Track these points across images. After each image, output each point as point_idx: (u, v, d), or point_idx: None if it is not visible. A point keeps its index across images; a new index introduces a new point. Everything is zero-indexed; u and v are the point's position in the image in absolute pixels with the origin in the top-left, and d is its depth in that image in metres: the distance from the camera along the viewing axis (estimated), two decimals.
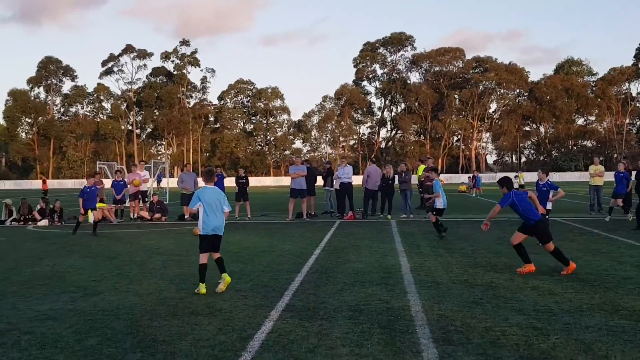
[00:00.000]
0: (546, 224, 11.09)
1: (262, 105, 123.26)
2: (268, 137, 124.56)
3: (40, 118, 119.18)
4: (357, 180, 26.18)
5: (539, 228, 10.88)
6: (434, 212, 16.56)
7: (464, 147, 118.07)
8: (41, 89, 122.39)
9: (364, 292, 9.24)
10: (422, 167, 23.88)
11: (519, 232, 11.01)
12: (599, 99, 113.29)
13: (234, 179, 25.45)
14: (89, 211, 19.38)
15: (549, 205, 15.30)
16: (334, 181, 24.02)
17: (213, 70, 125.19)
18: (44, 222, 22.81)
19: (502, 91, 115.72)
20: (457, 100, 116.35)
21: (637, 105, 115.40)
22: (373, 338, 6.75)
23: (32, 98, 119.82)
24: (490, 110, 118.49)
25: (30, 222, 23.10)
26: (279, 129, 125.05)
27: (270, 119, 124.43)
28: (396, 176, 24.09)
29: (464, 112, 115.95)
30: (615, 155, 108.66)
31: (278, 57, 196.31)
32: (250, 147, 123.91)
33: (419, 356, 6.10)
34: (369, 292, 9.23)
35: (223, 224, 9.70)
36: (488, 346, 6.40)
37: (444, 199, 16.66)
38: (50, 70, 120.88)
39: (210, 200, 9.53)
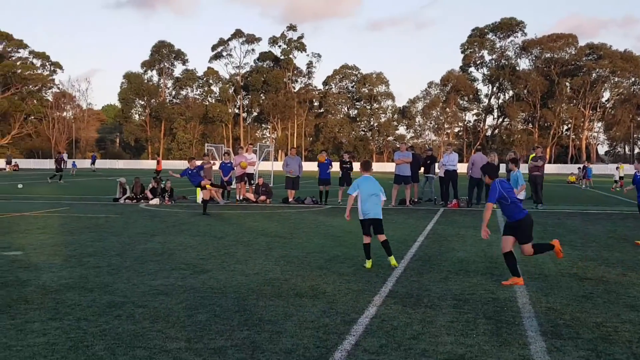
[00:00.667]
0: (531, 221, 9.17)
1: (367, 91, 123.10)
2: (372, 123, 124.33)
3: (152, 100, 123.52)
4: (461, 168, 25.81)
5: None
6: None
7: (574, 136, 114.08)
8: (154, 72, 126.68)
9: (469, 282, 9.12)
10: (532, 155, 23.24)
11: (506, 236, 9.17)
12: None
13: (338, 163, 25.62)
14: (198, 190, 19.88)
15: None
16: (438, 168, 23.77)
17: (319, 55, 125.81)
18: (155, 201, 23.67)
19: (616, 79, 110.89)
20: (568, 88, 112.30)
21: None
22: (478, 328, 6.65)
23: (146, 81, 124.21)
24: (603, 99, 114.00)
25: (142, 201, 24.02)
26: (383, 115, 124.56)
27: (375, 105, 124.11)
28: (503, 165, 23.57)
29: (575, 101, 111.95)
30: None
31: (384, 42, 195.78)
32: (353, 132, 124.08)
33: (526, 348, 5.97)
34: (474, 282, 9.11)
35: (377, 209, 10.32)
36: (599, 342, 6.19)
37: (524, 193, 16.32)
38: (163, 54, 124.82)
39: (364, 189, 10.29)
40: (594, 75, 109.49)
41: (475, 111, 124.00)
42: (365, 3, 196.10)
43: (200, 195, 19.91)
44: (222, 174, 24.46)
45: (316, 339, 6.22)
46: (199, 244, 12.82)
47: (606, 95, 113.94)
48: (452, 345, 6.07)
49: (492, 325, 6.76)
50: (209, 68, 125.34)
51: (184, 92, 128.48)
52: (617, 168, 44.78)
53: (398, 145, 24.07)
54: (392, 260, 10.28)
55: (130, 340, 6.15)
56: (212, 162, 26.93)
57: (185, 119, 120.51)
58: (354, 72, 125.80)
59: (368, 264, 10.22)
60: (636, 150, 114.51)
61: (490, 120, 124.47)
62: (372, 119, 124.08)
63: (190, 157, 21.90)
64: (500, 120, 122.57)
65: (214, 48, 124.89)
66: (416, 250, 12.14)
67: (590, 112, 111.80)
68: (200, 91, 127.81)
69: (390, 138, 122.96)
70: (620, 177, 40.18)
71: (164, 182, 24.90)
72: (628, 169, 49.93)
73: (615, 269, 10.21)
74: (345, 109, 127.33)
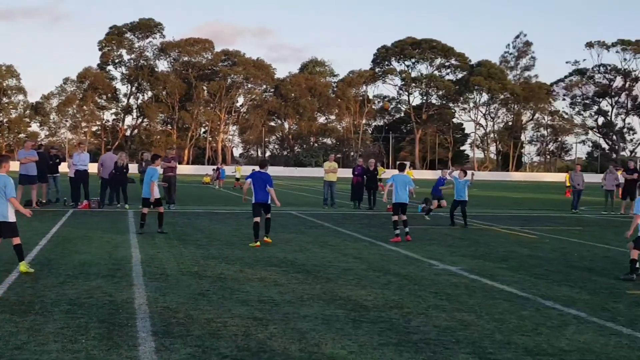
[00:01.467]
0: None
1: None
2: (1, 119, 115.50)
3: None
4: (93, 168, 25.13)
5: None
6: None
7: (210, 139, 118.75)
8: None
9: (88, 285, 8.85)
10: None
11: None
12: (339, 100, 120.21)
13: None
14: None
15: None
16: (68, 168, 22.85)
17: None
18: None
19: (249, 86, 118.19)
20: (206, 91, 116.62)
21: (373, 107, 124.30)
22: (89, 332, 6.46)
23: None
24: (238, 104, 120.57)
25: None
26: (14, 111, 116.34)
27: (4, 99, 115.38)
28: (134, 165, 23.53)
29: (212, 104, 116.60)
30: (352, 153, 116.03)
31: (15, 33, 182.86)
32: None
33: (135, 350, 5.95)
34: (93, 285, 8.87)
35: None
36: (207, 337, 6.42)
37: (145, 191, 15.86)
38: None
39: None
40: (229, 80, 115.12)
41: (114, 110, 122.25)
42: None
43: None
44: None
45: None
46: None
47: (240, 100, 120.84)
48: (58, 352, 5.80)
49: (104, 329, 6.61)
50: None
51: None
52: (235, 170, 50.18)
53: (26, 144, 22.55)
54: (22, 266, 9.64)
55: None
56: None
57: None
58: None
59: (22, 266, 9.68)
60: (267, 153, 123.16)
61: (129, 120, 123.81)
62: (1, 115, 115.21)
63: None
64: (140, 120, 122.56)
65: None
66: (36, 254, 11.47)
67: (226, 115, 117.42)
68: None
69: (22, 135, 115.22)
70: (237, 179, 45.62)
71: None
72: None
73: (233, 266, 10.75)
74: None
